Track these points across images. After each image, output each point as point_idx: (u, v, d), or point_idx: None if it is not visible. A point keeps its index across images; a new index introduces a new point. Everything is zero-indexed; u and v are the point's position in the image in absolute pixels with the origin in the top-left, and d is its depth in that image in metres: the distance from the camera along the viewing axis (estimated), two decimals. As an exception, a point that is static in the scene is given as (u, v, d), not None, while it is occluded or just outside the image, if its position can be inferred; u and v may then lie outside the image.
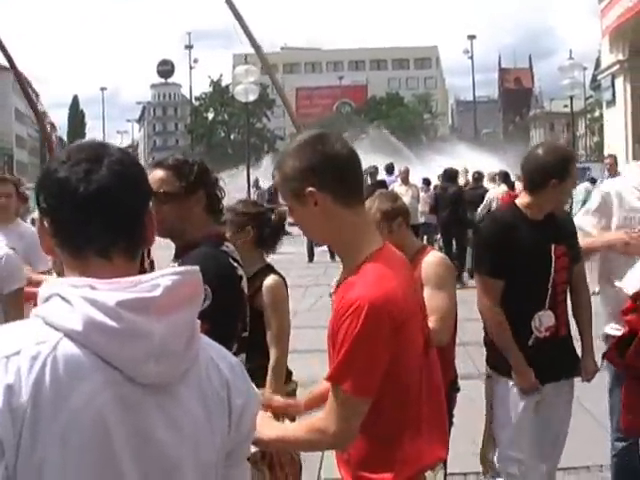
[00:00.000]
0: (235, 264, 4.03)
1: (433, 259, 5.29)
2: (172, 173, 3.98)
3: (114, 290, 1.82)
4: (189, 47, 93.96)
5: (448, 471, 5.67)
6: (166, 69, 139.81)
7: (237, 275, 4.03)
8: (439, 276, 5.16)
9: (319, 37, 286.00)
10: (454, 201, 20.16)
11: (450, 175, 21.13)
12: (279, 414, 3.49)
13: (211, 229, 4.07)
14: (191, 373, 1.95)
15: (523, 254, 5.04)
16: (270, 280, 5.35)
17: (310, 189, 3.01)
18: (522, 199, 5.23)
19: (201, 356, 2.00)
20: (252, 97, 34.29)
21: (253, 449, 3.16)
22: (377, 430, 3.05)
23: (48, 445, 1.74)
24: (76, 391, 1.77)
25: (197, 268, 2.02)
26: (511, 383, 5.13)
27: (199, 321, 2.02)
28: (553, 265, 5.11)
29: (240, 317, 4.11)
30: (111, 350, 1.80)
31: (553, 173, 5.03)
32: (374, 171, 21.76)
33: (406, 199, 19.89)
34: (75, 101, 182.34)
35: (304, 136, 3.18)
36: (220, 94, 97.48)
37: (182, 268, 1.96)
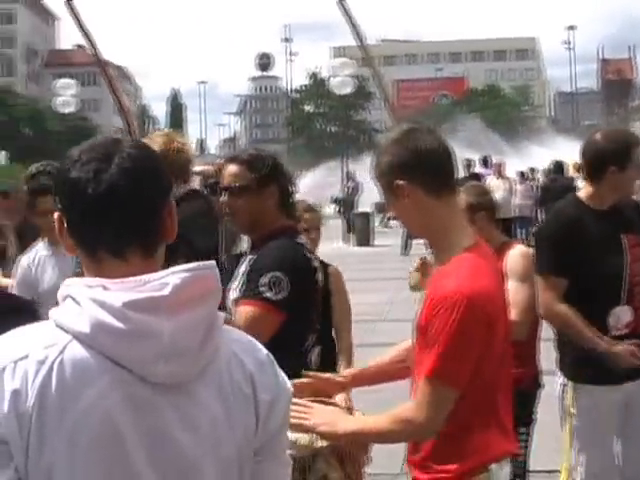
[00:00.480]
0: (310, 256, 4.09)
1: (519, 252, 5.31)
2: (245, 167, 4.08)
3: (123, 290, 1.81)
4: (287, 40, 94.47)
5: (531, 468, 5.67)
6: (265, 62, 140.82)
7: (312, 266, 4.09)
8: (524, 269, 5.13)
9: (418, 29, 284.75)
10: (564, 192, 19.92)
11: (559, 167, 20.87)
12: (323, 398, 3.47)
13: (285, 222, 4.15)
14: (209, 370, 1.92)
15: (590, 248, 4.74)
16: (332, 268, 5.48)
17: (400, 182, 3.12)
18: (584, 190, 4.98)
19: (222, 352, 1.96)
20: (348, 90, 34.29)
21: (323, 443, 3.16)
22: (450, 421, 3.07)
23: (56, 448, 1.75)
24: (83, 394, 1.77)
25: (211, 264, 1.96)
26: (594, 390, 4.80)
27: (223, 315, 1.99)
28: (626, 256, 4.80)
29: (316, 308, 4.15)
30: (119, 351, 1.79)
31: (611, 160, 4.69)
32: (469, 164, 21.62)
33: (500, 192, 19.88)
34: (175, 95, 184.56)
35: (395, 132, 3.33)
36: (318, 87, 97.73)
37: (194, 264, 1.89)
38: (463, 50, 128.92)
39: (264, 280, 3.86)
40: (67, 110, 36.71)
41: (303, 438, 3.10)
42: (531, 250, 5.43)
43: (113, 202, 1.88)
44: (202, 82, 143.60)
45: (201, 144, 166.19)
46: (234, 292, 4.09)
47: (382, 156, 3.23)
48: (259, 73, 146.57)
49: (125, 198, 1.89)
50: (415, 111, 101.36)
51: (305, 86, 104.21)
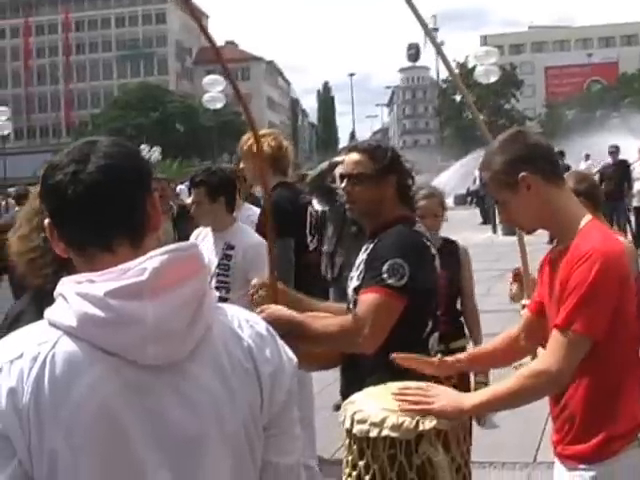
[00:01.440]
0: (428, 243, 4.16)
1: None
2: (367, 156, 4.18)
3: (107, 280, 1.87)
4: (435, 30, 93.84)
5: None
6: (413, 53, 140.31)
7: (431, 253, 4.15)
8: None
9: (570, 13, 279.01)
10: None
11: None
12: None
13: (402, 212, 4.23)
14: (204, 348, 1.97)
15: None
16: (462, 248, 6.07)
17: (523, 174, 3.33)
18: None
19: (216, 329, 2.02)
20: (493, 78, 33.73)
21: (427, 426, 3.17)
22: (602, 381, 3.22)
23: (55, 441, 1.81)
24: (76, 385, 1.83)
25: (192, 243, 2.05)
26: None
27: (215, 293, 2.05)
28: None
29: (434, 294, 4.22)
30: (107, 340, 1.85)
31: None
32: (615, 151, 21.10)
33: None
34: (326, 87, 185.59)
35: (503, 135, 3.52)
36: (467, 76, 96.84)
37: (173, 246, 1.95)
38: (615, 34, 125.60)
39: (385, 267, 3.92)
40: (215, 106, 37.23)
41: (407, 420, 3.13)
42: (628, 243, 5.38)
43: (93, 200, 1.94)
44: (352, 74, 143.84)
45: (352, 136, 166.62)
46: (354, 281, 4.19)
47: (495, 156, 3.43)
48: (409, 64, 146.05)
49: (104, 195, 1.95)
50: (567, 98, 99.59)
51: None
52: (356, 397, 3.38)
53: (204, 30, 3.89)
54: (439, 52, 4.63)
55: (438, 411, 3.14)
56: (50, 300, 3.05)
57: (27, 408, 1.81)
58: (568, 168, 24.45)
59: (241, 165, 6.93)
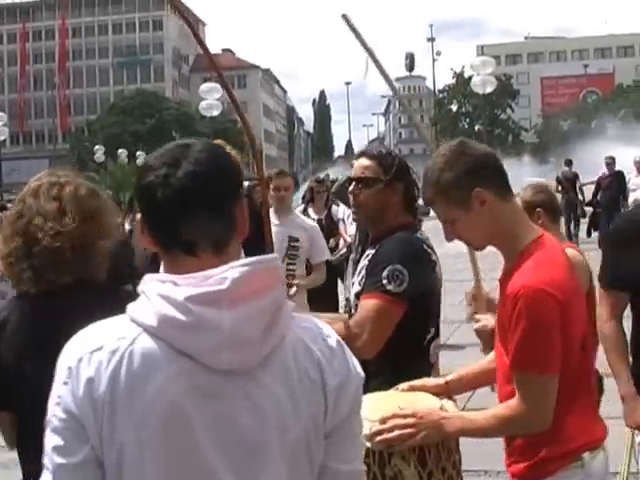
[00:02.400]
0: (429, 250, 4.18)
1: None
2: (376, 162, 4.23)
3: (190, 285, 1.94)
4: (431, 40, 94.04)
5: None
6: (408, 62, 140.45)
7: (432, 260, 4.17)
8: None
9: (567, 24, 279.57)
10: None
11: None
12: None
13: (406, 219, 4.26)
14: (275, 358, 2.02)
15: None
16: None
17: (477, 189, 3.14)
18: None
19: (288, 340, 2.06)
20: (489, 89, 33.85)
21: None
22: None
23: (125, 432, 1.90)
24: (150, 381, 1.91)
25: (273, 257, 2.11)
26: None
27: (292, 304, 2.10)
28: None
29: (435, 300, 4.24)
30: (184, 342, 1.93)
31: None
32: (611, 162, 21.18)
33: (640, 190, 19.52)
34: (322, 96, 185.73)
35: (446, 148, 3.29)
36: (463, 85, 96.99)
37: (253, 259, 2.01)
38: (611, 45, 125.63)
39: (385, 273, 3.96)
40: (212, 113, 37.26)
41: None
42: (578, 256, 5.12)
43: (181, 204, 2.02)
44: (348, 83, 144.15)
45: (348, 145, 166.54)
46: (356, 286, 4.23)
47: (443, 172, 3.20)
48: (405, 74, 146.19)
49: (190, 201, 2.03)
50: (562, 108, 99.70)
51: (449, 86, 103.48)
52: None
53: (198, 38, 3.92)
54: (381, 71, 4.70)
55: (422, 440, 3.10)
56: (37, 304, 3.06)
57: (102, 399, 1.90)
58: (576, 176, 24.73)
59: None
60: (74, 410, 1.91)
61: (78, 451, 1.90)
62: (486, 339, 3.84)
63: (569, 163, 26.44)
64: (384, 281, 3.96)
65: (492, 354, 3.54)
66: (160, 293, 1.94)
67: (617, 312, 4.46)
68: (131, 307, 2.01)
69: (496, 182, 3.20)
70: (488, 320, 3.84)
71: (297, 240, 6.83)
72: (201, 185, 2.04)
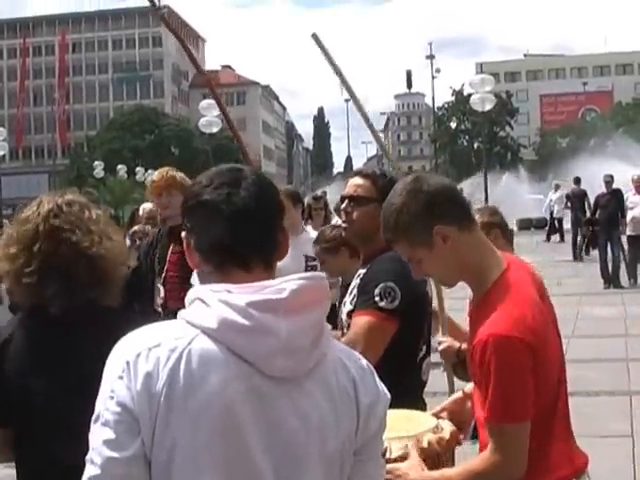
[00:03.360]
0: None
1: None
2: (370, 181, 4.30)
3: (246, 293, 2.02)
4: (431, 57, 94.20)
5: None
6: (409, 79, 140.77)
7: (423, 279, 4.16)
8: None
9: (566, 42, 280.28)
10: None
11: None
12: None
13: None
14: (318, 370, 2.11)
15: None
16: None
17: (437, 227, 3.04)
18: None
19: (330, 356, 2.16)
20: (488, 106, 33.93)
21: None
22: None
23: (179, 430, 1.94)
24: (207, 381, 1.97)
25: (323, 275, 2.19)
26: None
27: (329, 325, 2.21)
28: None
29: (426, 319, 4.25)
30: (242, 345, 2.00)
31: None
32: (610, 180, 21.17)
33: (638, 209, 19.50)
34: (321, 112, 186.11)
35: (400, 187, 3.16)
36: (462, 103, 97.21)
37: (308, 274, 2.14)
38: (610, 63, 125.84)
39: (377, 290, 3.99)
40: (211, 130, 37.26)
41: None
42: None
43: (243, 221, 2.15)
44: (347, 100, 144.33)
45: (347, 161, 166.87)
46: (347, 305, 4.25)
47: (400, 215, 3.08)
48: (404, 90, 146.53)
49: (252, 218, 2.17)
50: (561, 126, 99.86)
51: (448, 103, 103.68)
52: None
53: (192, 57, 3.95)
54: (349, 91, 4.79)
55: None
56: (45, 323, 3.04)
57: (159, 394, 1.95)
58: (585, 194, 25.22)
59: (152, 204, 7.07)
60: (129, 404, 1.95)
61: (130, 445, 1.94)
62: (451, 358, 4.10)
63: (577, 181, 27.80)
64: (376, 298, 3.99)
65: None
66: (220, 299, 2.02)
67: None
68: (185, 311, 2.09)
69: (456, 215, 3.09)
70: (452, 342, 4.04)
71: (314, 259, 6.85)
72: (261, 205, 2.18)
